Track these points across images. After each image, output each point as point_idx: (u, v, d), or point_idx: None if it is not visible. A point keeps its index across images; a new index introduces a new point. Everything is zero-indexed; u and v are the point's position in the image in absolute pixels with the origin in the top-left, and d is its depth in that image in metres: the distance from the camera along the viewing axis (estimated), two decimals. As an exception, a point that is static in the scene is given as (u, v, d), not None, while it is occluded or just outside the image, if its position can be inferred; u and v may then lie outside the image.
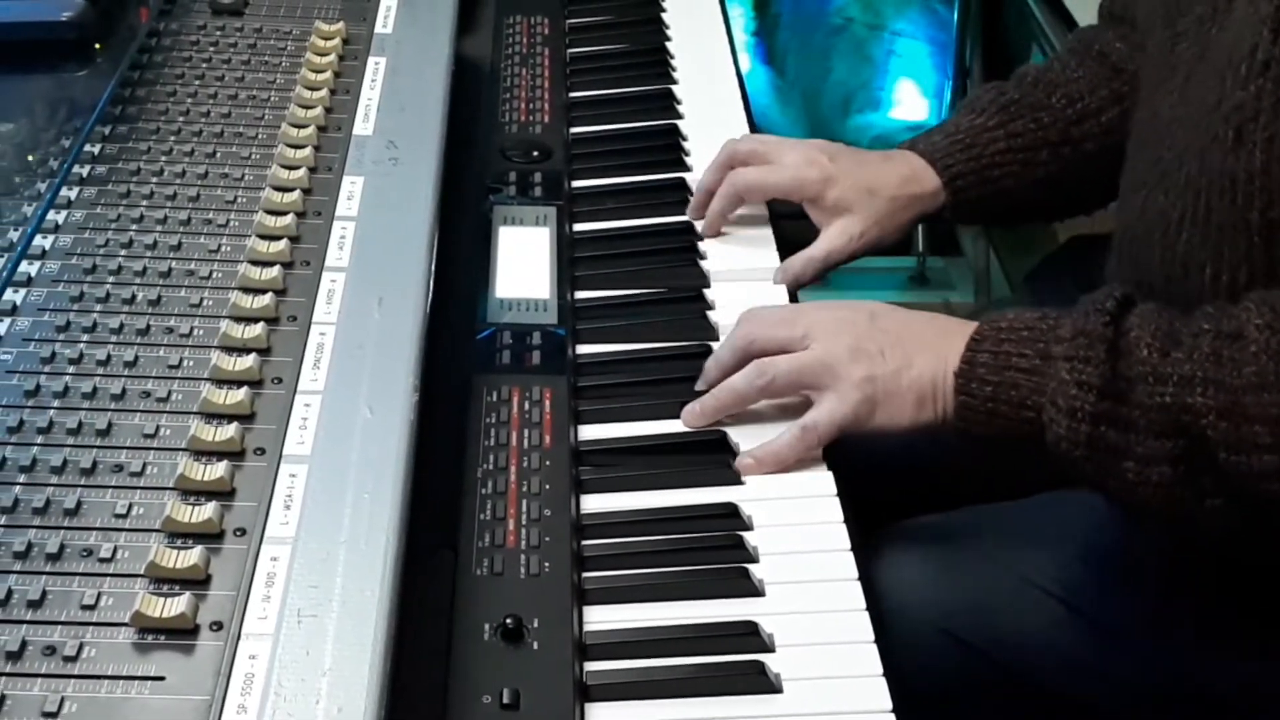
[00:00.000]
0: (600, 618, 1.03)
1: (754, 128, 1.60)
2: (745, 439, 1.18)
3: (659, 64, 1.72)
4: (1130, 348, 1.05)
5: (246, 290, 1.14)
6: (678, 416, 1.20)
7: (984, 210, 1.44)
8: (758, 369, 1.18)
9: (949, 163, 1.40)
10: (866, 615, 1.04)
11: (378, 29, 1.52)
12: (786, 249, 1.41)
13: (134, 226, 1.21)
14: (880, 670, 0.99)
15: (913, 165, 1.41)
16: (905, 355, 1.15)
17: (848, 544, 1.09)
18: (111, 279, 1.15)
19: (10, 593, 0.89)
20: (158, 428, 1.01)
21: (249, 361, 1.06)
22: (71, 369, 1.06)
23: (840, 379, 1.15)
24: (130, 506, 0.95)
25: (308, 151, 1.30)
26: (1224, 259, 1.08)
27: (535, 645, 0.98)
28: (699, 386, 1.22)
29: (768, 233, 1.44)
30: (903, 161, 1.42)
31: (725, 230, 1.43)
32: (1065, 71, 1.44)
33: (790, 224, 1.44)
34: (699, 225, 1.43)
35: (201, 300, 1.13)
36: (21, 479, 0.97)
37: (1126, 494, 1.07)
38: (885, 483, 1.26)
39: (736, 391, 1.18)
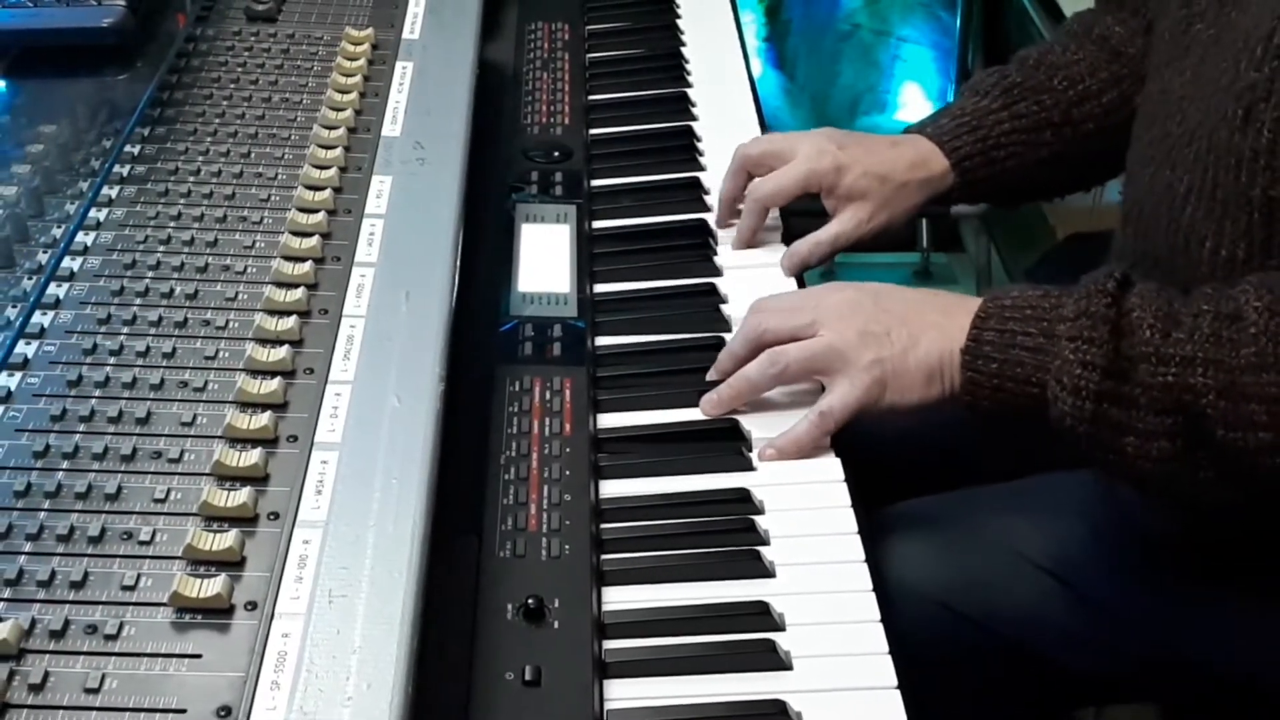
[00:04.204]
0: (618, 598, 1.03)
1: (765, 129, 1.59)
2: (757, 426, 1.18)
3: (674, 68, 1.72)
4: (1132, 328, 1.05)
5: (280, 284, 1.13)
6: (693, 405, 1.20)
7: (990, 190, 1.43)
8: (770, 358, 1.17)
9: (956, 145, 1.39)
10: (873, 595, 1.03)
11: (405, 35, 1.52)
12: (796, 244, 1.41)
13: (172, 224, 1.20)
14: (886, 648, 0.99)
15: (920, 149, 1.40)
16: (911, 335, 1.14)
17: (855, 527, 1.09)
18: (150, 274, 1.14)
19: (54, 574, 0.89)
20: (195, 416, 1.01)
21: (282, 353, 1.06)
22: (112, 360, 1.05)
23: (850, 363, 1.15)
24: (169, 491, 0.95)
25: (338, 152, 1.30)
26: (1225, 233, 1.08)
27: (556, 624, 0.98)
28: (711, 377, 1.22)
29: (777, 228, 1.43)
30: (910, 146, 1.41)
31: (736, 224, 1.42)
32: (1065, 54, 1.43)
33: (799, 221, 1.44)
34: (722, 231, 1.43)
35: (236, 294, 1.13)
36: (64, 465, 0.96)
37: (1124, 467, 1.06)
38: (887, 466, 1.26)
39: (750, 380, 1.18)
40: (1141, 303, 1.06)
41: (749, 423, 1.18)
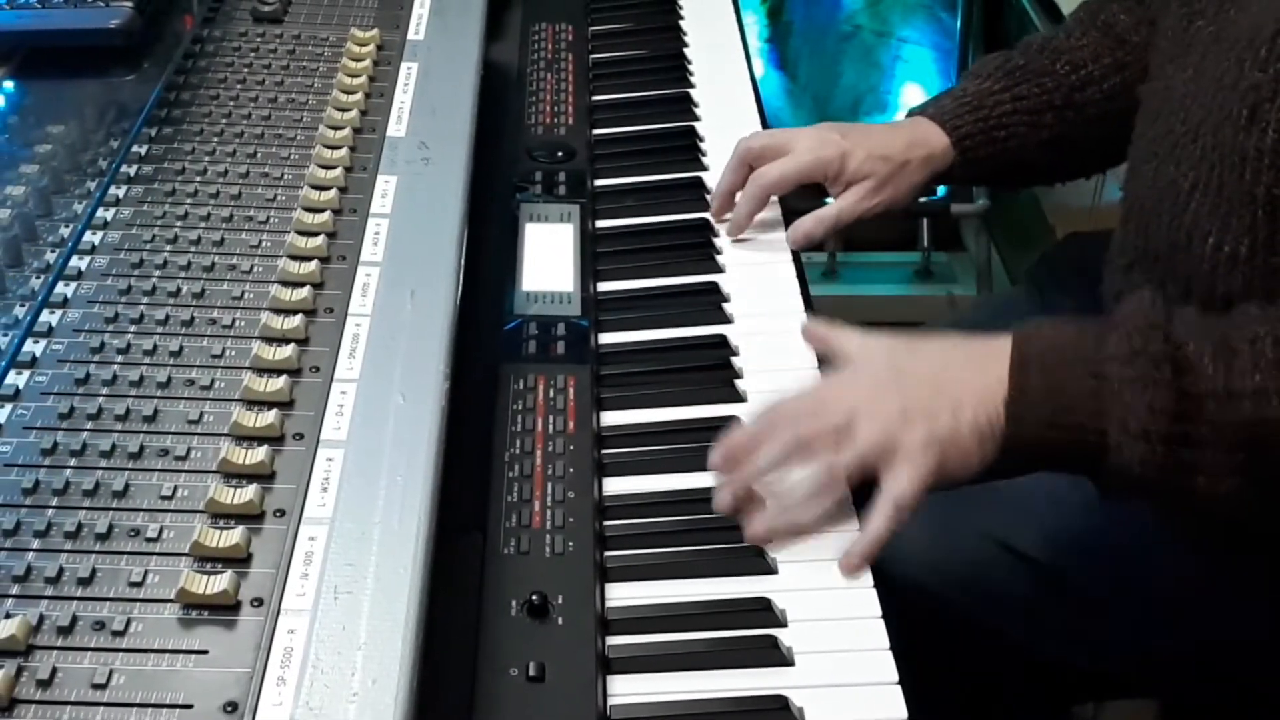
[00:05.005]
0: (621, 594, 1.03)
1: (767, 129, 1.59)
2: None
3: (677, 69, 1.72)
4: (1190, 364, 0.99)
5: (286, 284, 1.13)
6: (695, 403, 1.20)
7: (990, 170, 1.43)
8: (828, 473, 1.07)
9: (957, 124, 1.39)
10: (874, 592, 1.03)
11: (410, 36, 1.52)
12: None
13: (179, 223, 1.20)
14: (888, 644, 0.99)
15: (921, 128, 1.40)
16: (952, 403, 1.05)
17: (856, 523, 1.09)
18: (157, 273, 1.14)
19: (62, 571, 0.89)
20: (201, 413, 1.01)
21: (288, 351, 1.06)
22: (119, 359, 1.05)
23: (903, 448, 1.04)
24: (175, 489, 0.95)
25: (344, 152, 1.29)
26: (1228, 230, 1.08)
27: (560, 621, 0.98)
28: (737, 487, 1.09)
29: (779, 225, 1.43)
30: (910, 127, 1.41)
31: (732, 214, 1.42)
32: (1069, 40, 1.43)
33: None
34: (720, 226, 1.42)
35: (243, 293, 1.13)
36: (72, 463, 0.96)
37: (1192, 504, 1.01)
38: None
39: (811, 505, 1.09)
40: (1189, 332, 1.01)
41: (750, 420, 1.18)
